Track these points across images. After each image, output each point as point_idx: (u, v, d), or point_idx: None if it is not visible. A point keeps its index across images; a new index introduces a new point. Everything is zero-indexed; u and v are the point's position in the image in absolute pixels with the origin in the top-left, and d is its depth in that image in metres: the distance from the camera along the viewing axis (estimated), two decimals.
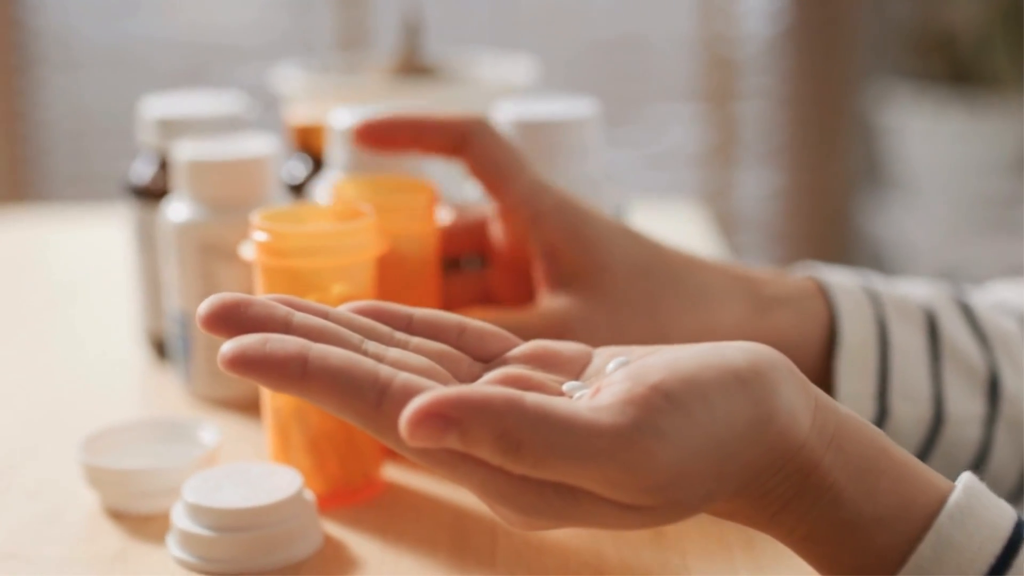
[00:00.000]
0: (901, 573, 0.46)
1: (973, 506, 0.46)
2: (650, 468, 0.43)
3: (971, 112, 2.22)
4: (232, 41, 2.50)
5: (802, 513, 0.47)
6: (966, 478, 0.47)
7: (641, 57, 2.54)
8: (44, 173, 2.52)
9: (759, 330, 0.64)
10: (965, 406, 0.66)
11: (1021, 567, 0.45)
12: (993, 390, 0.67)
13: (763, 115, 2.54)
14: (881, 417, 0.65)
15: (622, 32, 2.52)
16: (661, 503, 0.44)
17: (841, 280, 0.67)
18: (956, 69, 2.29)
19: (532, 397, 0.43)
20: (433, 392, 0.42)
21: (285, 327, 0.48)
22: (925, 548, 0.45)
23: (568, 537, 0.58)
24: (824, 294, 0.66)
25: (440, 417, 0.42)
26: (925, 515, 0.46)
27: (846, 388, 0.65)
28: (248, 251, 0.61)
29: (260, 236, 0.60)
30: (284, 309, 0.48)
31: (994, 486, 0.68)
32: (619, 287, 0.63)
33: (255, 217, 0.61)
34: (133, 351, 0.85)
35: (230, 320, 0.47)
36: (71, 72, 2.50)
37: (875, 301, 0.67)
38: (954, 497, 0.46)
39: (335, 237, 0.60)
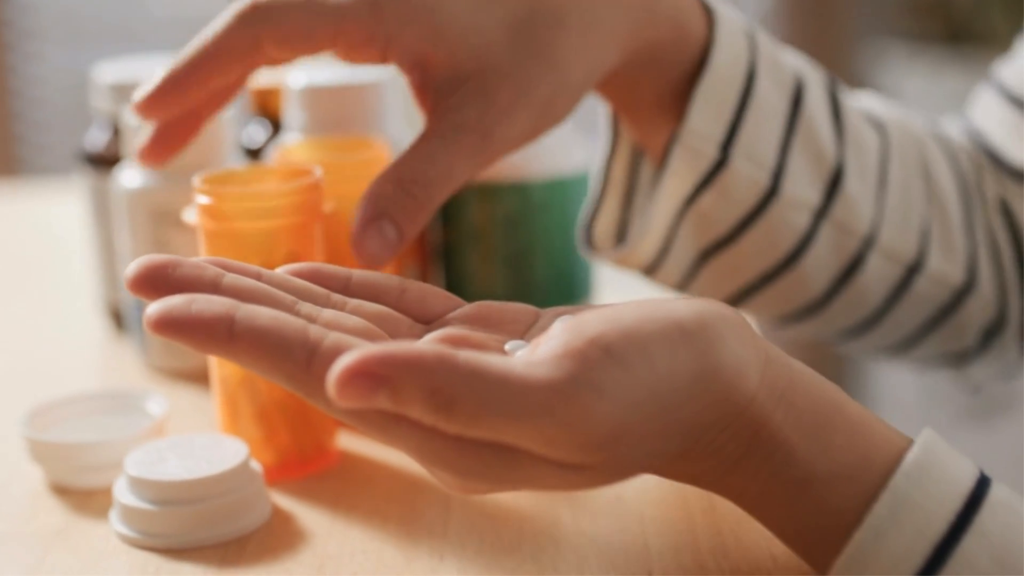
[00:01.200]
0: (857, 532, 0.44)
1: (931, 463, 0.44)
2: (588, 424, 0.41)
3: (967, 72, 2.19)
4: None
5: (753, 472, 0.45)
6: (925, 434, 0.45)
7: None
8: (41, 149, 2.50)
9: (639, 41, 0.61)
10: (802, 190, 0.65)
11: (985, 525, 0.43)
12: (833, 185, 0.65)
13: None
14: (717, 166, 0.63)
15: None
16: (602, 461, 0.42)
17: (730, 14, 0.65)
18: (952, 29, 2.27)
19: (465, 354, 0.41)
20: (361, 349, 0.40)
21: (214, 288, 0.46)
22: (881, 507, 0.44)
23: (523, 505, 0.56)
24: (708, 19, 0.64)
25: (369, 375, 0.40)
26: (881, 473, 0.44)
27: (695, 123, 0.62)
28: (191, 215, 0.59)
29: (202, 199, 0.58)
30: (214, 270, 0.47)
31: (802, 285, 0.66)
32: (504, 60, 0.57)
33: (197, 180, 0.59)
34: (92, 322, 0.83)
35: (157, 282, 0.46)
36: (70, 47, 2.48)
37: (752, 49, 0.64)
38: (912, 454, 0.44)
39: (279, 197, 0.58)
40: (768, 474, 0.45)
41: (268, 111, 0.80)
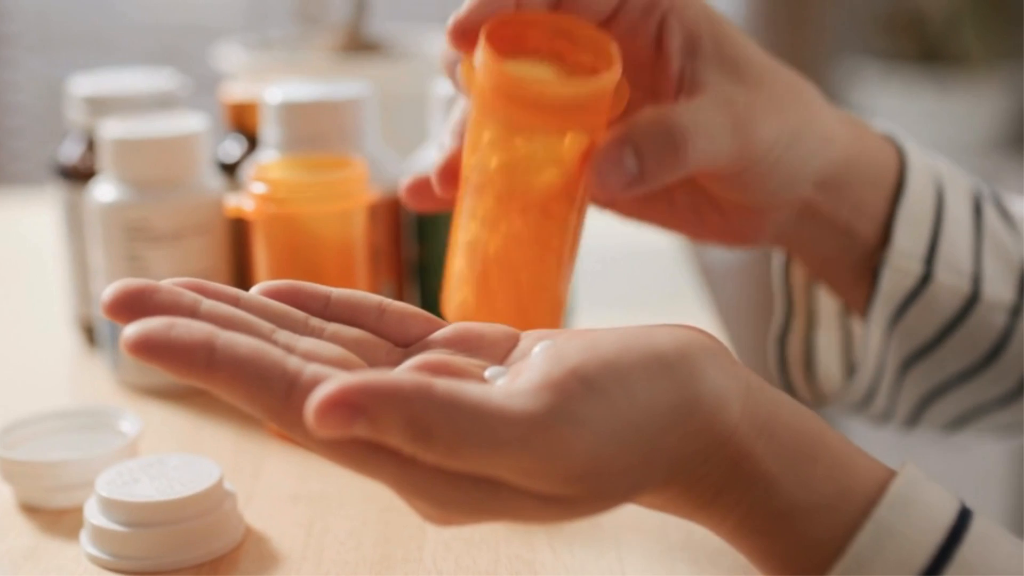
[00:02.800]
0: (840, 563, 0.43)
1: (914, 494, 0.44)
2: (566, 456, 0.40)
3: (940, 91, 2.20)
4: (206, 22, 2.46)
5: (734, 502, 0.44)
6: (907, 466, 0.45)
7: None
8: (14, 156, 2.48)
9: (855, 147, 0.61)
10: (998, 290, 0.65)
11: (966, 557, 0.43)
12: (1023, 281, 0.66)
13: None
14: (924, 281, 0.63)
15: None
16: (582, 493, 0.42)
17: (903, 134, 0.65)
18: (925, 48, 2.27)
19: (443, 382, 0.41)
20: (339, 379, 0.40)
21: (192, 314, 0.45)
22: (864, 537, 0.43)
23: (499, 530, 0.55)
24: (894, 144, 0.64)
25: (347, 405, 0.39)
26: (863, 503, 0.44)
27: (901, 242, 0.62)
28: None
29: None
30: (191, 296, 0.46)
31: (1001, 378, 0.66)
32: (767, 71, 0.58)
33: None
34: (63, 337, 0.82)
35: (135, 307, 0.45)
36: (44, 54, 2.46)
37: (934, 166, 0.65)
38: (895, 485, 0.44)
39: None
40: (749, 505, 0.44)
41: (244, 126, 0.79)
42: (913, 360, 0.66)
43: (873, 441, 0.85)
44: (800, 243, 0.64)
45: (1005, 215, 0.67)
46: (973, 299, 0.64)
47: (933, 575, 0.43)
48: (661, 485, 0.44)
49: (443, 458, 0.41)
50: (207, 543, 0.54)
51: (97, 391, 0.74)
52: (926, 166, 0.64)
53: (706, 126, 0.55)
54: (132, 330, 0.42)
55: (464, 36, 0.54)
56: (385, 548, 0.55)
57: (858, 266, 0.64)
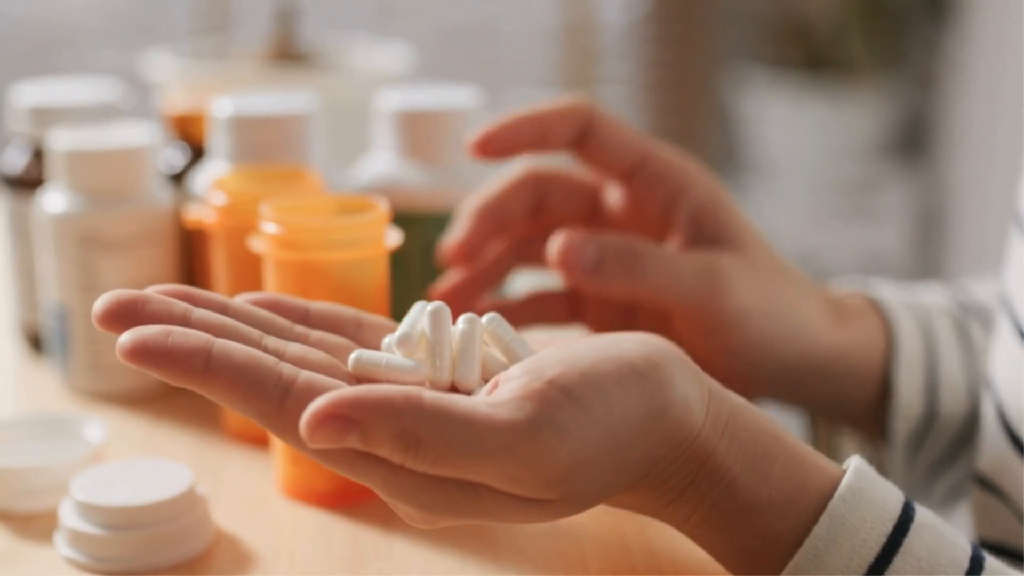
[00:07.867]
0: (798, 553, 0.47)
1: (864, 488, 0.48)
2: (549, 462, 0.44)
3: (827, 99, 2.26)
4: (78, 22, 2.43)
5: (698, 500, 0.48)
6: (855, 461, 0.49)
7: (499, 43, 2.54)
8: None
9: (841, 339, 0.65)
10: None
11: (912, 546, 0.47)
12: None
13: (622, 102, 2.56)
14: (929, 419, 0.66)
15: (479, 17, 2.51)
16: (561, 496, 0.45)
17: (886, 294, 0.69)
18: (812, 57, 2.33)
19: (430, 395, 0.43)
20: (332, 393, 0.42)
21: (184, 323, 0.47)
22: (820, 530, 0.47)
23: (462, 529, 0.58)
24: (877, 310, 0.68)
25: (340, 418, 0.42)
26: (818, 499, 0.48)
27: (904, 399, 0.66)
28: (257, 244, 0.61)
29: (272, 228, 0.60)
30: (182, 306, 0.48)
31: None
32: (759, 253, 0.64)
33: (266, 208, 0.60)
34: (8, 345, 0.83)
35: (128, 317, 0.46)
36: None
37: (916, 306, 0.68)
38: (846, 480, 0.48)
39: (353, 229, 0.60)
40: (711, 502, 0.48)
41: (188, 136, 0.81)
42: (935, 469, 0.69)
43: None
44: (795, 404, 0.68)
45: (981, 317, 0.70)
46: (972, 415, 0.67)
47: (883, 563, 0.46)
48: (631, 485, 0.47)
49: (432, 467, 0.43)
50: (181, 545, 0.56)
51: (46, 398, 0.75)
52: (909, 314, 0.68)
53: (674, 260, 0.62)
54: (128, 337, 0.44)
55: None
56: (354, 547, 0.57)
57: (857, 415, 0.68)
